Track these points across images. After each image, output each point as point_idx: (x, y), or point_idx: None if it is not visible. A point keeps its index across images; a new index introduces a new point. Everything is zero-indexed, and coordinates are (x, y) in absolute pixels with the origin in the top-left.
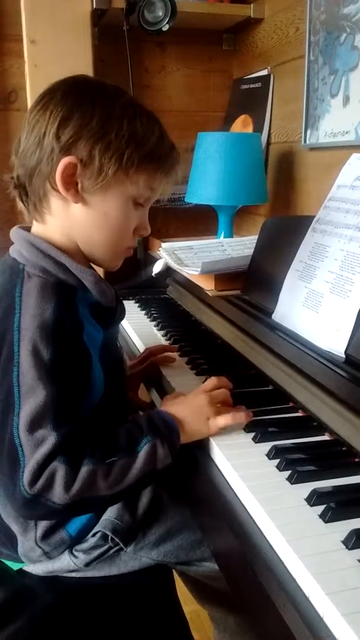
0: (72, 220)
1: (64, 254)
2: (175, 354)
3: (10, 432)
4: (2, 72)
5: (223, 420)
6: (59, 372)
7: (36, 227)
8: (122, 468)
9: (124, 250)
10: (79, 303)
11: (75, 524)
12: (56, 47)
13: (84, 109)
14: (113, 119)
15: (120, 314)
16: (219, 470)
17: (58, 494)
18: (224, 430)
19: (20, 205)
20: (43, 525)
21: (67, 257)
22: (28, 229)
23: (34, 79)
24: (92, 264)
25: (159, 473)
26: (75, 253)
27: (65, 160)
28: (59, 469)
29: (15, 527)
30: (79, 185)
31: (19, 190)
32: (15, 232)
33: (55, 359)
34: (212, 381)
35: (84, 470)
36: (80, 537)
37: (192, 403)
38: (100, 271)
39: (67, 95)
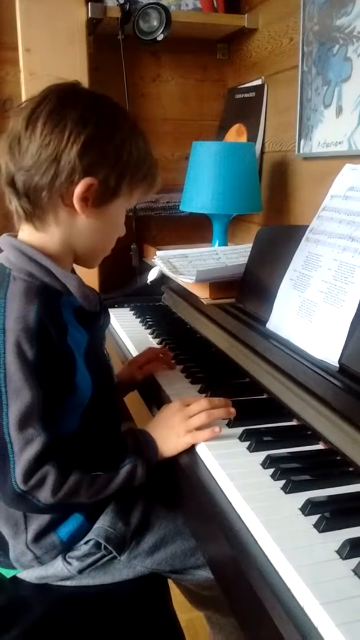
0: (75, 230)
1: (49, 259)
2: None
3: (0, 429)
4: None
5: (191, 438)
6: (44, 373)
7: (27, 234)
8: (104, 481)
9: (109, 252)
10: (63, 307)
11: (66, 529)
12: (51, 56)
13: (104, 132)
14: (125, 142)
15: (105, 319)
16: (213, 479)
17: (45, 496)
18: (218, 440)
19: (18, 210)
20: (33, 528)
21: (52, 262)
22: (16, 236)
23: (30, 87)
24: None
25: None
26: (64, 259)
27: (87, 181)
28: (51, 473)
29: (5, 531)
30: (89, 201)
31: (20, 198)
32: (3, 240)
33: (39, 360)
34: (201, 401)
35: (72, 479)
36: (71, 543)
37: (167, 423)
38: (95, 278)
39: (87, 116)
